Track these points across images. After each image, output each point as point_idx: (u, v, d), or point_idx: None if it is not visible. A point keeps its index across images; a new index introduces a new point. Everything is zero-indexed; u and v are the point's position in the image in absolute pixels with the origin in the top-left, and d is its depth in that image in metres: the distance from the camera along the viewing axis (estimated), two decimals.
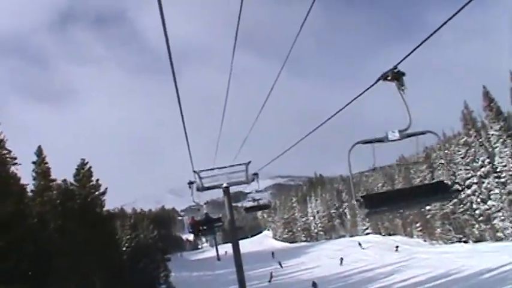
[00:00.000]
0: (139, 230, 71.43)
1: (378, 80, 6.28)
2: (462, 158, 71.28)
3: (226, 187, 21.48)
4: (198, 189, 21.14)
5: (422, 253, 72.22)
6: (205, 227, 25.05)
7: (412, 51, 5.87)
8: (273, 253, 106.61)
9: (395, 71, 6.14)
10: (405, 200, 6.33)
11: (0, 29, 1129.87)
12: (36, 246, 30.01)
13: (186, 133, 10.53)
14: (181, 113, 8.53)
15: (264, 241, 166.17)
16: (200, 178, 20.60)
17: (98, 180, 50.33)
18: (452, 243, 74.72)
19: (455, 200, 72.45)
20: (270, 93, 10.37)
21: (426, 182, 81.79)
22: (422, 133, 6.64)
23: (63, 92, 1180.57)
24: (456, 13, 5.11)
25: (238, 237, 23.70)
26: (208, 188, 21.30)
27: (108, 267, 45.14)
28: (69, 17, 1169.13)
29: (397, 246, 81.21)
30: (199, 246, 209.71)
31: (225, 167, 20.79)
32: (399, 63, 6.09)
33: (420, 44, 5.69)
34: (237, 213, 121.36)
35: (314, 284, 57.10)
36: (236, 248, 21.68)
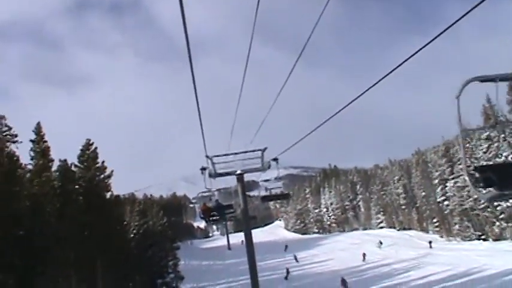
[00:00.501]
0: (149, 216, 69.52)
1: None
2: (484, 152, 68.66)
3: (240, 174, 20.53)
4: (210, 176, 20.24)
5: (439, 249, 70.07)
6: (216, 214, 24.25)
7: (428, 43, 5.64)
8: (286, 246, 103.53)
9: None
10: None
11: (16, 12, 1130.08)
12: (28, 231, 28.30)
13: (200, 115, 10.03)
14: (195, 94, 8.23)
15: (276, 231, 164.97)
16: (213, 164, 19.76)
17: (103, 162, 47.45)
18: (470, 240, 72.34)
19: (475, 196, 70.20)
20: (285, 84, 10.27)
21: (445, 176, 79.68)
22: None
23: (77, 78, 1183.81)
24: (474, 7, 4.83)
25: (251, 226, 22.58)
26: (221, 175, 20.54)
27: (114, 254, 43.21)
28: (85, 2, 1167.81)
29: (430, 242, 76.09)
30: (210, 234, 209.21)
31: (240, 153, 19.94)
32: (415, 53, 5.88)
33: (437, 37, 5.45)
34: (250, 202, 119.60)
35: (343, 282, 53.80)
36: (249, 238, 20.74)
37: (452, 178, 77.38)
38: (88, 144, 46.79)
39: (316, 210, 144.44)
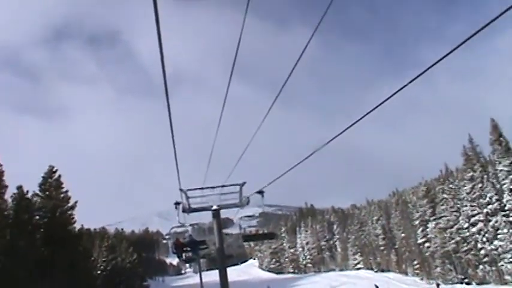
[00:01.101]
0: (117, 252, 65.36)
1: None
2: (468, 193, 66.96)
3: (216, 210, 18.07)
4: (184, 211, 18.03)
5: None
6: (189, 249, 24.20)
7: (403, 87, 6.07)
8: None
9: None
10: None
11: None
12: None
13: (174, 145, 9.60)
14: (170, 122, 7.96)
15: (250, 270, 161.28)
16: (187, 198, 17.67)
17: (67, 191, 42.19)
18: (452, 284, 69.95)
19: (458, 238, 68.22)
20: (261, 124, 10.67)
21: (426, 217, 77.73)
22: None
23: (52, 109, 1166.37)
24: (449, 53, 5.26)
25: (227, 265, 19.94)
26: (196, 210, 18.19)
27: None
28: (63, 34, 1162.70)
29: (438, 285, 68.45)
30: (183, 272, 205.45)
31: (216, 187, 17.87)
32: (390, 97, 6.32)
33: (412, 80, 5.91)
34: (224, 240, 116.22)
35: None
36: (224, 277, 17.99)
37: (434, 219, 75.46)
38: (51, 172, 41.80)
39: (292, 250, 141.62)
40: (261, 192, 17.81)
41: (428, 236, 77.60)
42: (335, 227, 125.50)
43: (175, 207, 17.89)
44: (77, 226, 46.52)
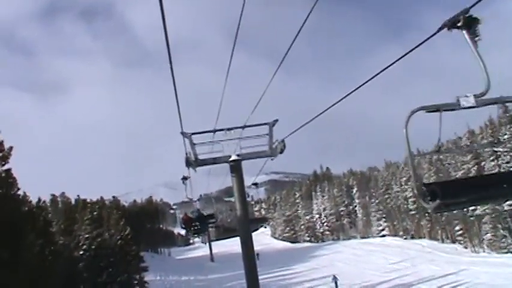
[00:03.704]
0: (104, 226, 53.18)
1: (441, 28, 4.85)
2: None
3: (235, 160, 14.67)
4: (189, 164, 14.60)
5: (470, 263, 57.32)
6: (198, 224, 23.33)
7: (407, 54, 5.91)
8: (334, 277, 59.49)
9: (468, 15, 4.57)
10: None
11: None
12: None
13: (173, 77, 8.06)
14: (171, 66, 7.51)
15: (261, 239, 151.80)
16: (193, 145, 14.01)
17: None
18: (507, 252, 59.42)
19: None
20: (264, 93, 10.94)
21: (471, 175, 67.19)
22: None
23: (50, 84, 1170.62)
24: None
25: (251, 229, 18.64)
26: (206, 163, 14.73)
27: (45, 281, 28.12)
28: (57, 7, 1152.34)
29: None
30: (191, 241, 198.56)
31: (235, 128, 13.88)
32: (391, 65, 6.27)
33: (415, 47, 5.70)
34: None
35: None
36: (247, 243, 15.73)
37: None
38: None
39: (307, 217, 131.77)
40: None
41: None
42: (354, 191, 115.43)
43: (183, 182, 18.06)
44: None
